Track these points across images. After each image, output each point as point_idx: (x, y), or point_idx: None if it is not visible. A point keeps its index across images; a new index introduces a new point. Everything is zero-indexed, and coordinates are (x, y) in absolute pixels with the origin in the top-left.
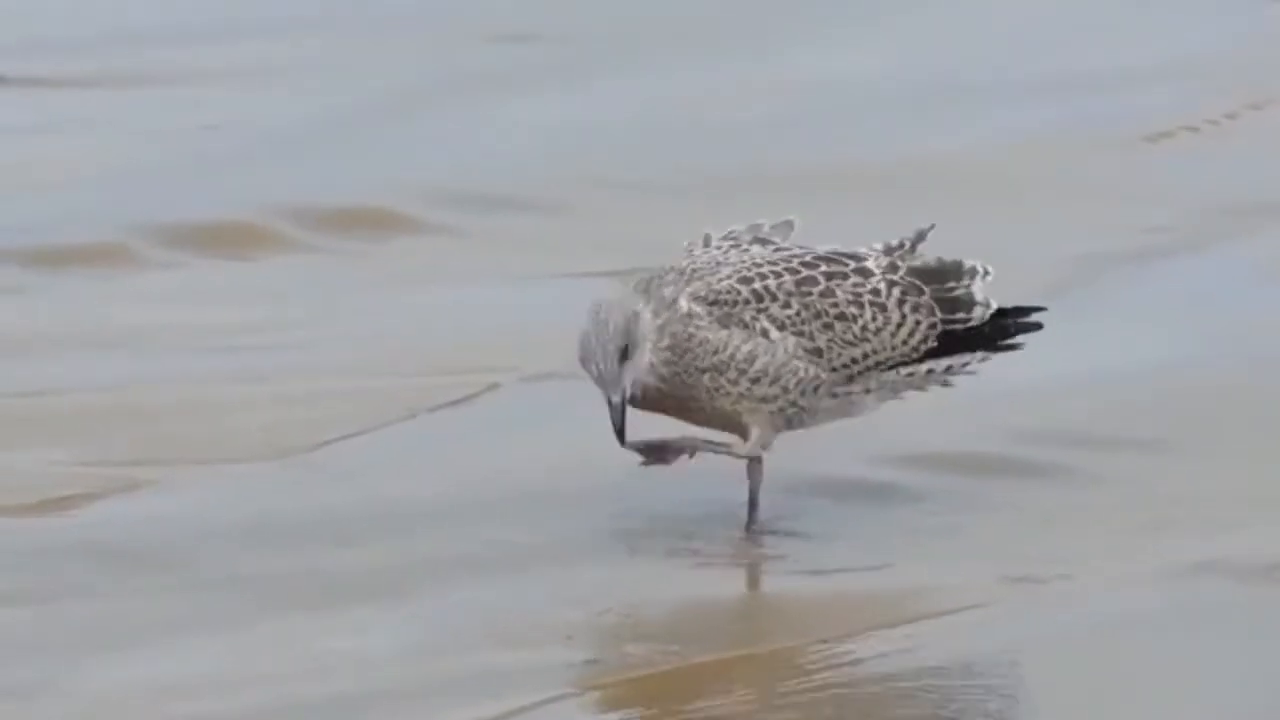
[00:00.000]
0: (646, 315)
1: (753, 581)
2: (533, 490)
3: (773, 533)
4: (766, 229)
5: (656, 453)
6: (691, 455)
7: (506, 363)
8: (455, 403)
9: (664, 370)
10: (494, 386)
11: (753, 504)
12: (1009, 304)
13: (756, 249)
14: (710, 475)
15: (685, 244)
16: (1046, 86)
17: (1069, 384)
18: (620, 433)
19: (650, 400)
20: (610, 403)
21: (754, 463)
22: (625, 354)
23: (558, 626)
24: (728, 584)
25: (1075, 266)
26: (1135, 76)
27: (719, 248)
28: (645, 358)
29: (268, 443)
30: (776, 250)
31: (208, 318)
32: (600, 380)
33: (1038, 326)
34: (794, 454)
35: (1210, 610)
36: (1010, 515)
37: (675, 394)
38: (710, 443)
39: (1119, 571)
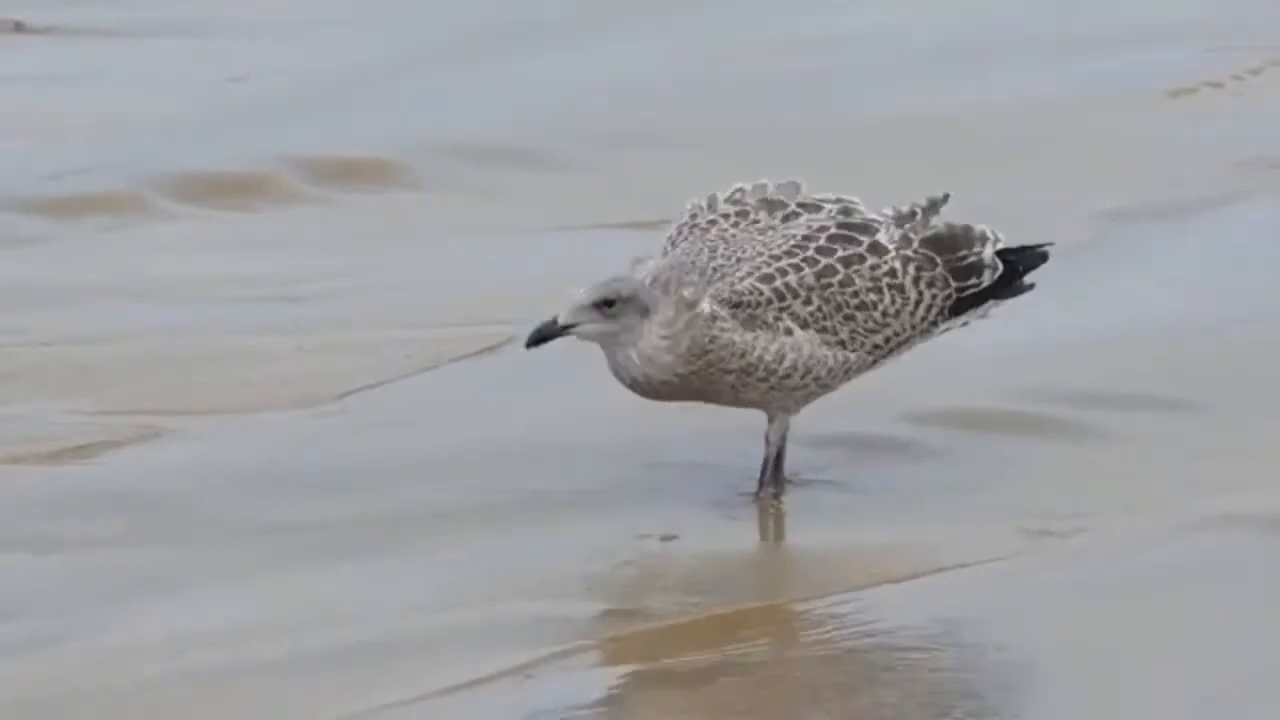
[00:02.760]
0: (660, 312)
1: (772, 534)
2: (552, 442)
3: (792, 486)
4: (772, 190)
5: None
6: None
7: (526, 315)
8: (475, 354)
9: (681, 369)
10: (513, 339)
11: (774, 462)
12: (1015, 245)
13: (764, 218)
14: (730, 430)
15: (688, 205)
16: (1069, 43)
17: (1090, 340)
18: (533, 340)
19: (667, 392)
20: (555, 319)
21: (777, 423)
22: (605, 306)
23: (578, 578)
24: (747, 537)
25: (1098, 223)
26: (1158, 32)
27: (726, 216)
28: (630, 345)
29: (289, 393)
30: (786, 220)
31: (230, 269)
32: (568, 301)
33: (1043, 259)
34: (814, 411)
35: (1229, 563)
36: (1030, 471)
37: (693, 387)
38: (762, 478)
39: (1138, 526)
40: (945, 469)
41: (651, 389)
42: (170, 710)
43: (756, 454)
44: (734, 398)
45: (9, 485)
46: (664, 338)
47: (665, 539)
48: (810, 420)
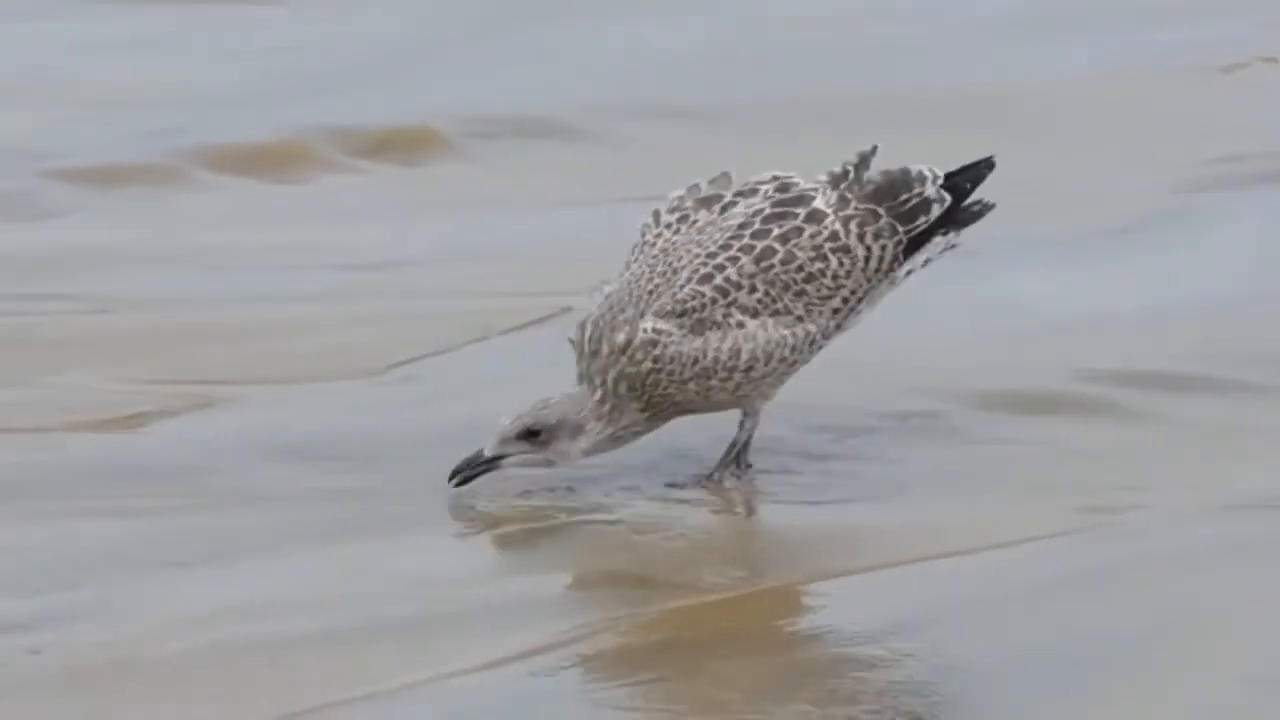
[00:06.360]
0: (590, 410)
1: (822, 510)
2: None
3: (840, 463)
4: (704, 188)
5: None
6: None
7: (579, 285)
8: (527, 324)
9: (641, 413)
10: (567, 310)
11: (740, 446)
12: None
13: (703, 217)
14: (783, 402)
15: (640, 223)
16: (1122, 18)
17: (1143, 318)
18: (457, 476)
19: (649, 426)
20: (480, 452)
21: (749, 416)
22: (530, 435)
23: (626, 549)
24: (797, 511)
25: (1151, 198)
26: (1211, 7)
27: (669, 226)
28: (562, 450)
29: (339, 363)
30: (723, 212)
31: (280, 238)
32: (495, 429)
33: (990, 167)
34: (861, 390)
35: None
36: (1082, 449)
37: (668, 412)
38: (726, 459)
39: (1193, 503)
40: (995, 447)
41: (644, 428)
42: (217, 680)
43: (804, 434)
44: (705, 403)
45: (60, 454)
46: (601, 423)
47: (716, 512)
48: (858, 398)
